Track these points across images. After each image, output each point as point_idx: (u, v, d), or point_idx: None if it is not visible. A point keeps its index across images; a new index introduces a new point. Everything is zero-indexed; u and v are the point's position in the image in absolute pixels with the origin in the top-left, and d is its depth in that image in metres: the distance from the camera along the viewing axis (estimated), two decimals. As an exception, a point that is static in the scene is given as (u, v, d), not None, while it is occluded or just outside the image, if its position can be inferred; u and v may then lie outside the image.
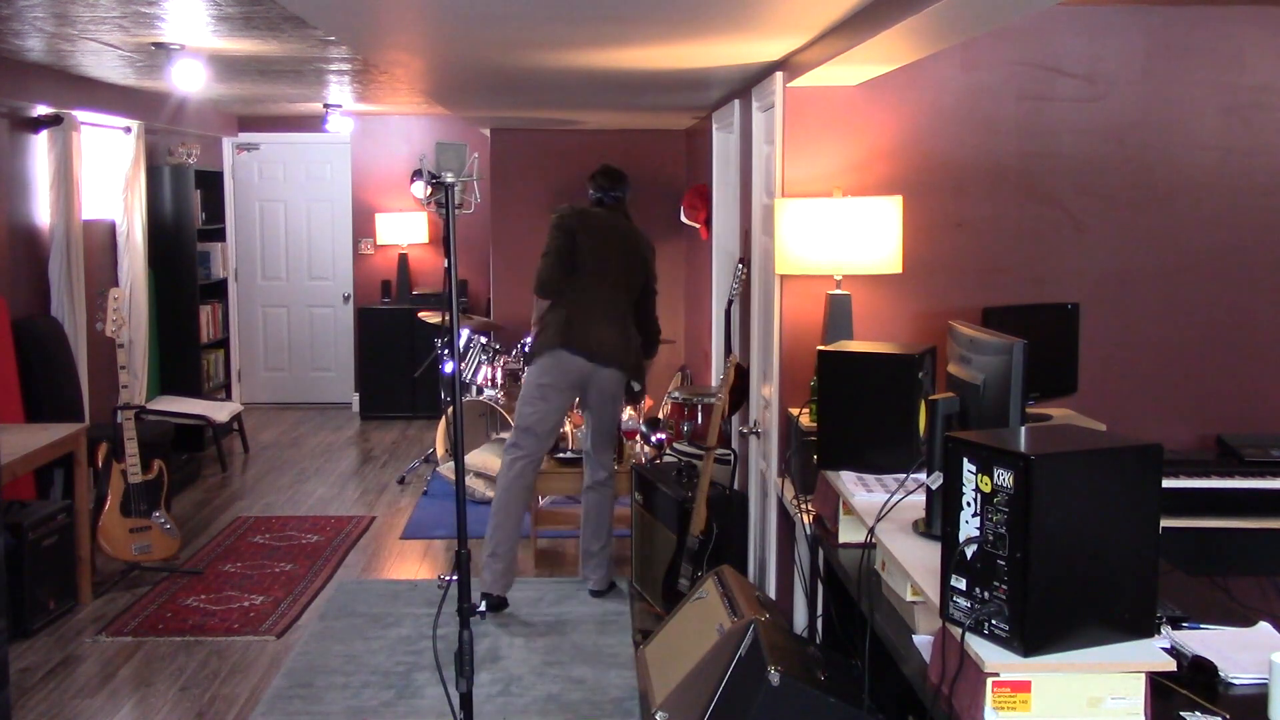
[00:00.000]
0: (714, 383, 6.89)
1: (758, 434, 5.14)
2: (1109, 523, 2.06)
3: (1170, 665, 2.07)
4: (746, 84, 5.50)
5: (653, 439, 6.42)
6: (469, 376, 7.83)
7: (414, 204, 9.92)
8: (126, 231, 7.77)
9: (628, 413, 6.69)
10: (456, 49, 4.86)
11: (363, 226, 10.26)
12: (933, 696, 2.23)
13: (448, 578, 2.51)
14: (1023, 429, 2.38)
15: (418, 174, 8.95)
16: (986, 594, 2.08)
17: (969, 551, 2.11)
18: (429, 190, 2.36)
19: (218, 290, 9.54)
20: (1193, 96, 4.45)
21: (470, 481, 7.02)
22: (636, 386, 5.48)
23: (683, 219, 8.39)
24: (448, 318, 2.76)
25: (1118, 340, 4.50)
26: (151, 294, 8.23)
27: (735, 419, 5.73)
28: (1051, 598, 2.02)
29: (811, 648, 3.40)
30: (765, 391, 4.99)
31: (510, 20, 4.03)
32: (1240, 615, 2.68)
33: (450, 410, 6.62)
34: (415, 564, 6.14)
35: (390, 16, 4.22)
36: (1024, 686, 2.04)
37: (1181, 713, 2.18)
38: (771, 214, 4.49)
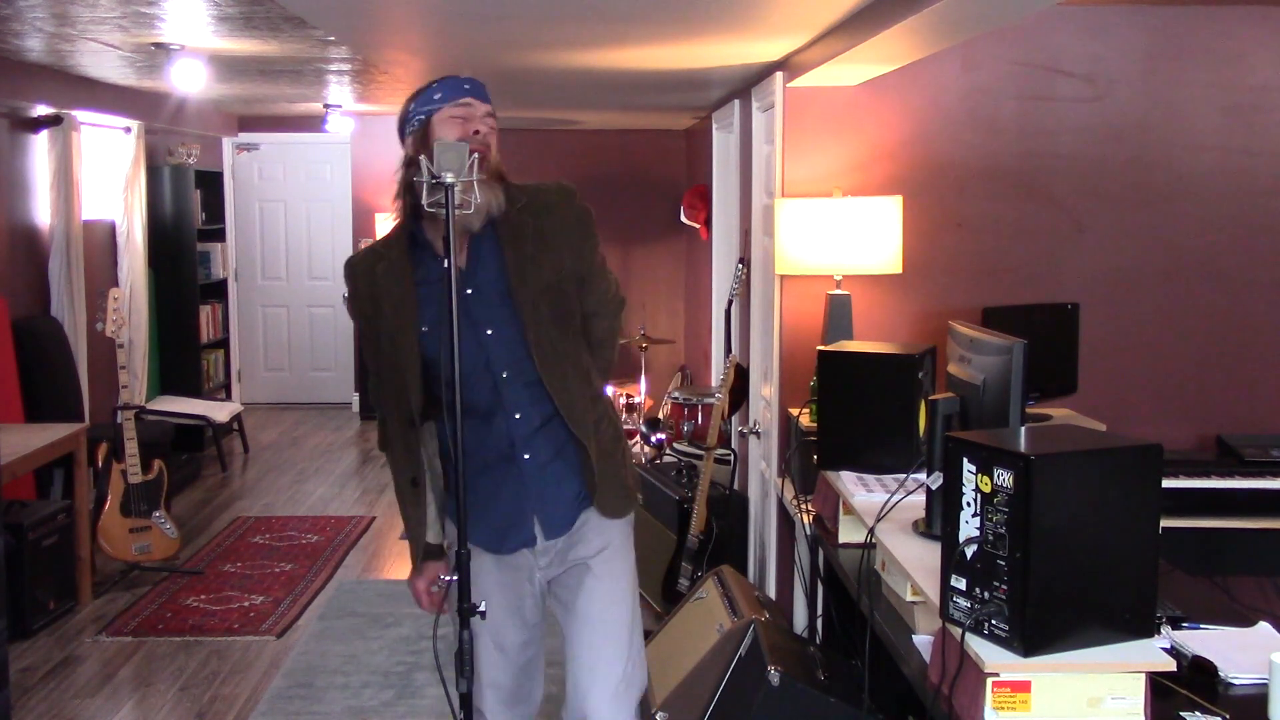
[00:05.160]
0: (714, 383, 6.89)
1: (758, 434, 5.14)
2: (1109, 523, 2.06)
3: (1170, 665, 2.07)
4: (746, 84, 5.49)
5: (653, 439, 6.41)
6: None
7: (414, 204, 9.91)
8: (126, 231, 7.77)
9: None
10: (456, 49, 4.86)
11: (363, 226, 10.25)
12: (933, 696, 2.22)
13: (448, 578, 2.50)
14: (1023, 429, 2.37)
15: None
16: (986, 594, 2.08)
17: (969, 551, 2.11)
18: (428, 191, 2.36)
19: (218, 290, 9.54)
20: (1193, 96, 4.45)
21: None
22: None
23: (683, 219, 8.39)
24: (447, 318, 2.75)
25: (1118, 340, 4.49)
26: (151, 294, 8.23)
27: (735, 419, 5.72)
28: (1051, 598, 2.02)
29: (811, 648, 3.39)
30: (765, 391, 4.99)
31: (510, 20, 4.03)
32: (1240, 615, 2.67)
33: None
34: (415, 564, 6.14)
35: (390, 16, 4.22)
36: (1024, 686, 2.04)
37: (1181, 713, 2.17)
38: (771, 214, 4.49)
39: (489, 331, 2.51)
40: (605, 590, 2.65)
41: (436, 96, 2.51)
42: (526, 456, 2.56)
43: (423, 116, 2.51)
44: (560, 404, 2.54)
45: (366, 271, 2.57)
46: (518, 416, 2.54)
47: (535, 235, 2.53)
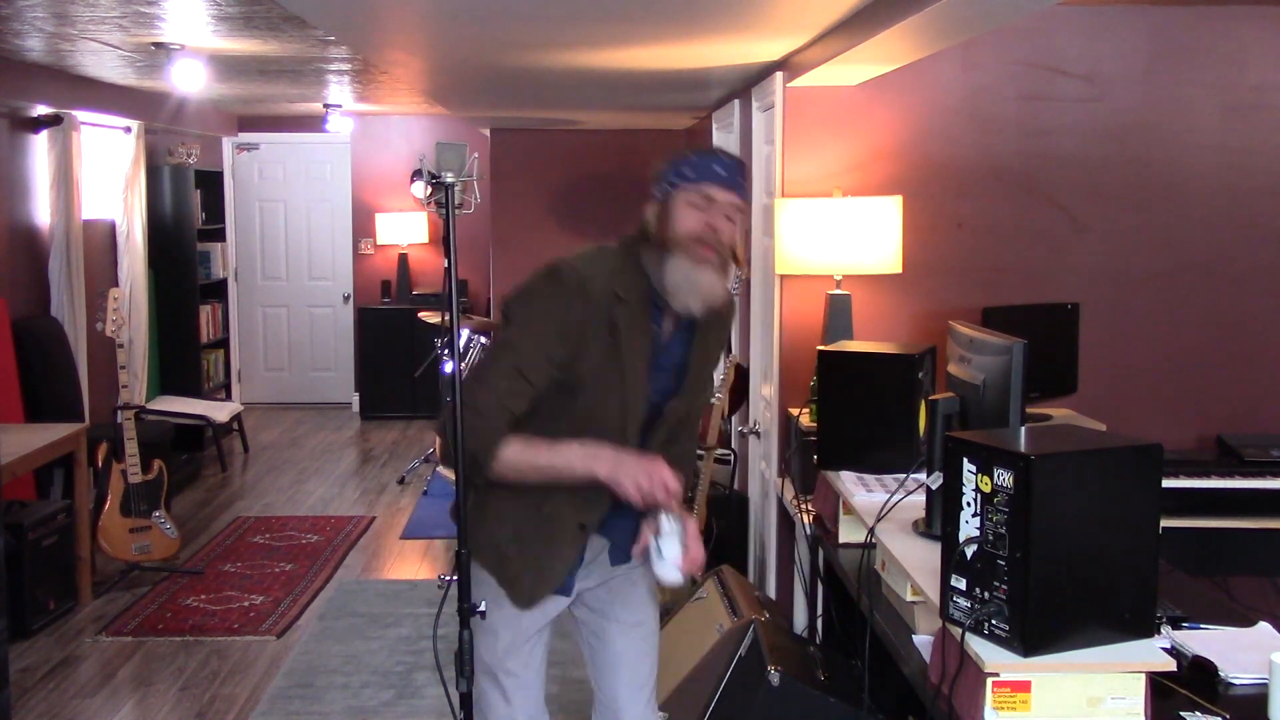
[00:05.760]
0: (714, 383, 6.89)
1: (758, 434, 5.13)
2: (1109, 523, 2.06)
3: (1170, 665, 2.07)
4: (746, 84, 5.49)
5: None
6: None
7: (414, 204, 9.92)
8: (126, 231, 7.77)
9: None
10: (456, 49, 4.86)
11: (363, 226, 10.26)
12: (933, 696, 2.23)
13: (448, 578, 2.50)
14: (1023, 429, 2.37)
15: (418, 174, 8.94)
16: (986, 594, 2.08)
17: (969, 551, 2.11)
18: (429, 190, 2.34)
19: (218, 290, 9.53)
20: (1193, 96, 4.45)
21: (470, 481, 7.01)
22: None
23: (683, 219, 8.38)
24: (448, 318, 2.76)
25: (1118, 340, 4.49)
26: (151, 294, 8.23)
27: (735, 419, 5.72)
28: (1051, 598, 2.02)
29: (811, 648, 3.39)
30: (765, 391, 4.99)
31: (510, 20, 4.03)
32: (1240, 615, 2.68)
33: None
34: (415, 564, 6.14)
35: (390, 16, 4.22)
36: (1024, 686, 2.04)
37: (1181, 713, 2.18)
38: (771, 214, 4.49)
39: (654, 398, 2.53)
40: (643, 598, 2.73)
41: (686, 172, 2.40)
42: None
43: (668, 187, 2.41)
44: (670, 458, 2.54)
45: (604, 301, 2.39)
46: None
47: (716, 333, 2.67)
